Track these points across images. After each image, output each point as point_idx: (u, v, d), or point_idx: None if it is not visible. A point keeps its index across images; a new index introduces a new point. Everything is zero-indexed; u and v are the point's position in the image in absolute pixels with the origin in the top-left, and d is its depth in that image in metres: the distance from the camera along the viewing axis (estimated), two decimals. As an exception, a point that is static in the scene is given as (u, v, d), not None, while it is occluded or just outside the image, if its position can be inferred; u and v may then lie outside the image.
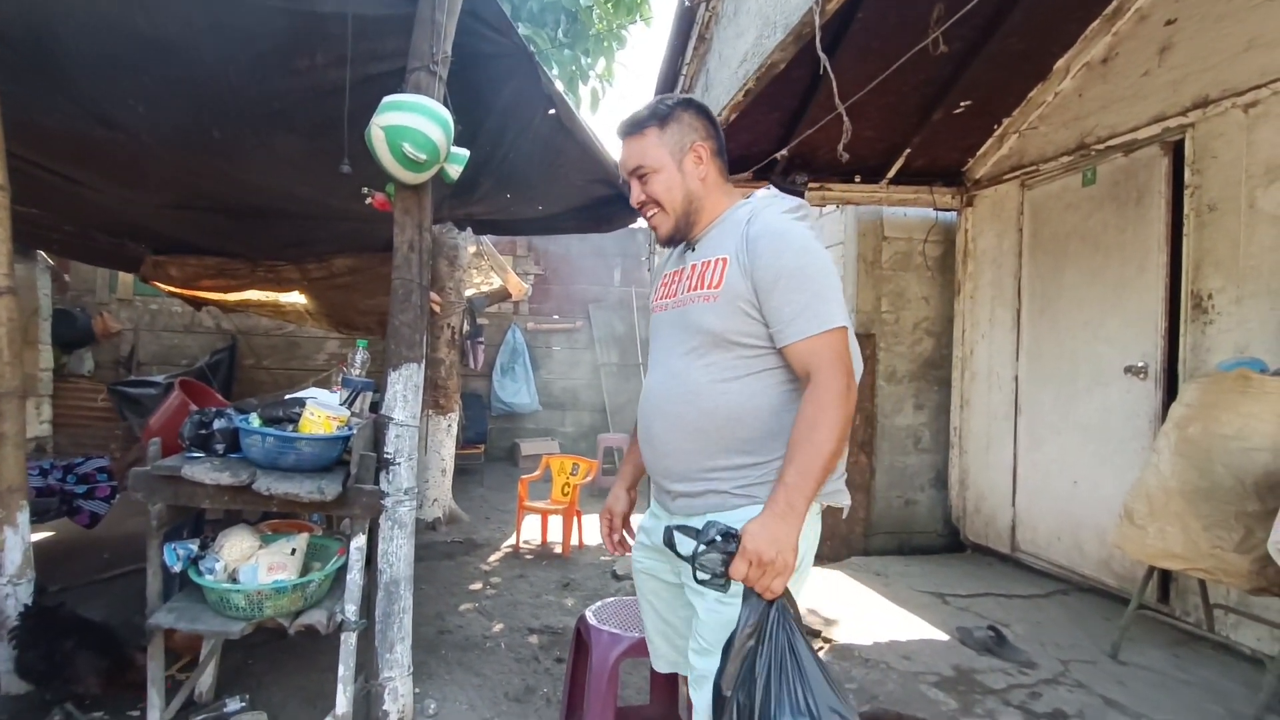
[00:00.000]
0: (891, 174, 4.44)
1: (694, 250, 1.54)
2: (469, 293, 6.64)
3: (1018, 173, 4.23)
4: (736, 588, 1.28)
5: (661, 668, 1.66)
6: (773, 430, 1.40)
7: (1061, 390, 3.94)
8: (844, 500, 1.49)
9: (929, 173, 4.53)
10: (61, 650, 2.44)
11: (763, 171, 4.04)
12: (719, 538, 1.26)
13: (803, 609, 1.38)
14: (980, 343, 4.56)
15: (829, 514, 1.55)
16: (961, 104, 3.94)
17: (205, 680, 2.66)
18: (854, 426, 1.40)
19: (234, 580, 2.16)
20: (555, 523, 5.04)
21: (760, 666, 1.21)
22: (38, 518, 3.17)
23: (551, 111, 3.31)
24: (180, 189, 3.98)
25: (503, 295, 7.61)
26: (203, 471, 2.09)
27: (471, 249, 6.20)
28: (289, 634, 2.21)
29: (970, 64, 3.65)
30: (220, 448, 2.22)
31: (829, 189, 4.32)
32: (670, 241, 1.57)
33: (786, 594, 1.27)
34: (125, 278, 7.71)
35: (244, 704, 2.62)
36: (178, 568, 2.16)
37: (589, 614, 2.18)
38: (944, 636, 3.18)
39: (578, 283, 9.12)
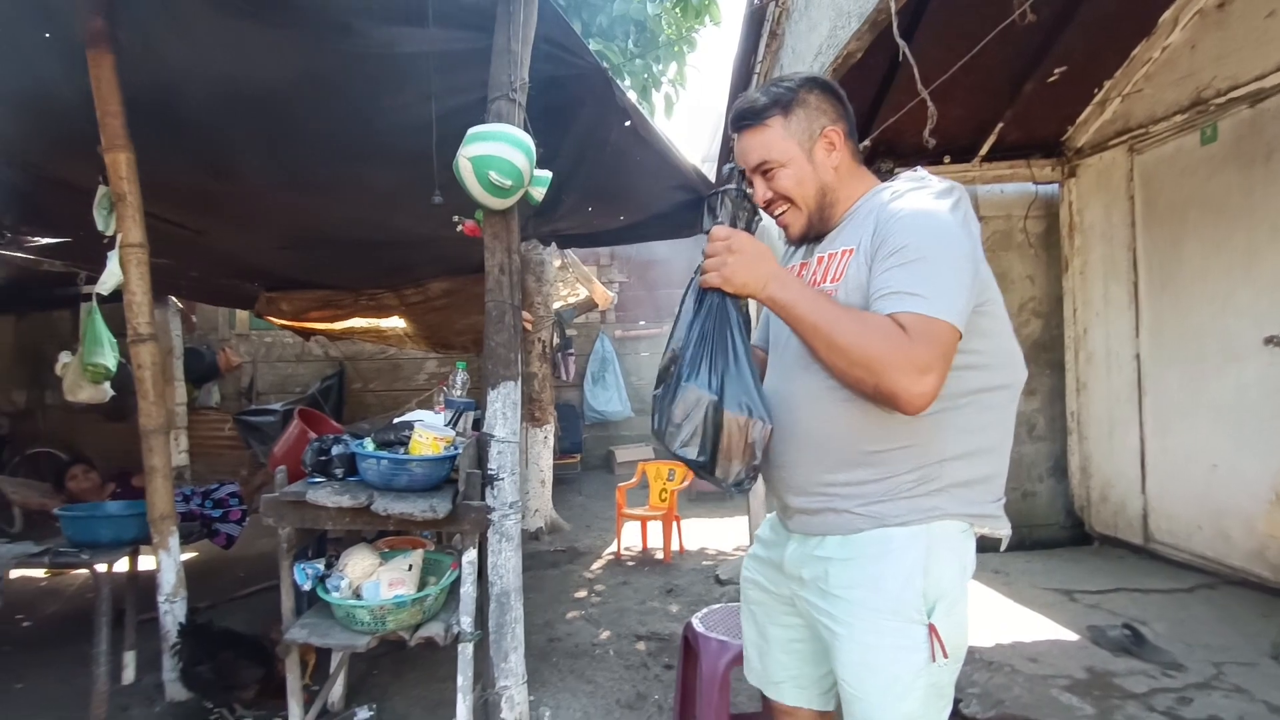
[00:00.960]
0: (984, 151, 4.24)
1: (820, 242, 1.40)
2: (557, 306, 6.80)
3: (1124, 137, 3.94)
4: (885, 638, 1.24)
5: (751, 680, 1.55)
6: (904, 443, 1.25)
7: (1190, 368, 3.63)
8: (1003, 529, 1.34)
9: (1025, 146, 4.30)
10: (224, 662, 2.67)
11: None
12: (748, 210, 1.26)
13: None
14: (1094, 322, 4.27)
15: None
16: (1056, 72, 3.71)
17: (336, 691, 2.82)
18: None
19: (358, 596, 2.28)
20: (655, 529, 5.07)
21: (695, 345, 1.26)
22: (183, 540, 3.46)
23: (628, 124, 3.35)
24: (287, 229, 4.28)
25: (590, 305, 7.75)
26: (325, 495, 2.23)
27: (557, 263, 6.34)
28: (409, 645, 2.33)
29: (1063, 30, 3.43)
30: (339, 472, 2.36)
31: (917, 174, 4.16)
32: (803, 240, 1.43)
33: (732, 300, 1.28)
34: (242, 314, 8.33)
35: (372, 712, 2.77)
36: (307, 586, 2.31)
37: (696, 621, 2.18)
38: (1074, 636, 3.00)
39: (662, 286, 9.14)
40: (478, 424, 2.69)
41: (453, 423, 2.54)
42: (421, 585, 2.40)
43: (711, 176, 4.16)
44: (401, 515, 2.18)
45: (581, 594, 4.17)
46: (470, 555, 2.33)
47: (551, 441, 5.81)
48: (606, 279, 8.86)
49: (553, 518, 5.74)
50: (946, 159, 4.20)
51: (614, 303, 8.21)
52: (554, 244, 5.49)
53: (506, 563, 2.55)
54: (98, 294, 3.21)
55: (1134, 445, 3.99)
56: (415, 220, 4.03)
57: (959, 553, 1.29)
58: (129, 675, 3.08)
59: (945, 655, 1.23)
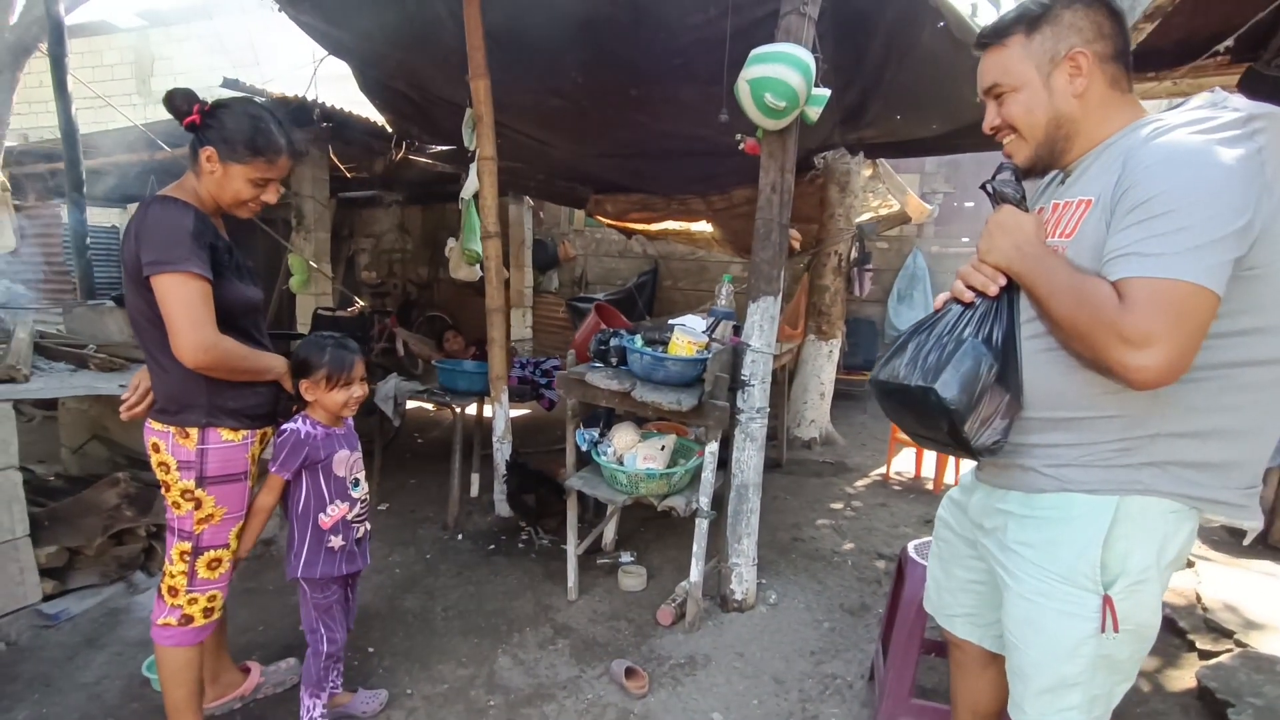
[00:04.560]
0: None
1: (1062, 184, 1.29)
2: (866, 217, 6.55)
3: None
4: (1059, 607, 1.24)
5: (928, 608, 1.66)
6: (1109, 413, 1.17)
7: None
8: (1249, 520, 1.17)
9: None
10: (541, 496, 3.45)
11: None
12: (1014, 197, 1.29)
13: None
14: None
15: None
16: None
17: (608, 535, 3.43)
18: None
19: (620, 463, 2.75)
20: (931, 457, 4.91)
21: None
22: (516, 399, 4.36)
23: (941, 25, 3.10)
24: (610, 141, 4.82)
25: (902, 219, 7.28)
26: (599, 379, 2.69)
27: (867, 172, 6.09)
28: (659, 511, 2.75)
29: None
30: (614, 361, 2.80)
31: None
32: (1030, 174, 1.33)
33: (1007, 293, 1.27)
34: (577, 213, 9.51)
35: (633, 558, 3.33)
36: (585, 448, 2.84)
37: (910, 547, 2.22)
38: None
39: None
40: (738, 331, 2.92)
41: (711, 329, 2.80)
42: (672, 465, 2.78)
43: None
44: (654, 403, 2.55)
45: (837, 506, 4.30)
46: (712, 447, 2.63)
47: (836, 356, 5.82)
48: (929, 189, 8.18)
49: (828, 430, 5.84)
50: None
51: (933, 215, 7.57)
52: (861, 154, 5.30)
53: (749, 460, 2.81)
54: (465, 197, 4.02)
55: None
56: (717, 132, 4.21)
57: (1157, 534, 1.18)
58: (474, 491, 4.05)
59: (1116, 629, 1.19)
